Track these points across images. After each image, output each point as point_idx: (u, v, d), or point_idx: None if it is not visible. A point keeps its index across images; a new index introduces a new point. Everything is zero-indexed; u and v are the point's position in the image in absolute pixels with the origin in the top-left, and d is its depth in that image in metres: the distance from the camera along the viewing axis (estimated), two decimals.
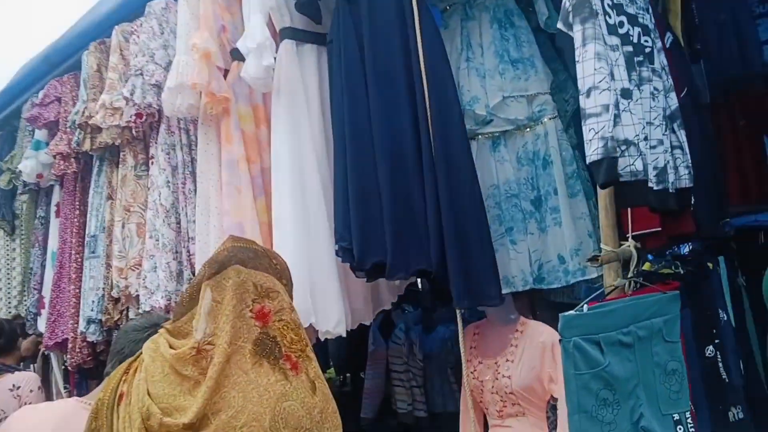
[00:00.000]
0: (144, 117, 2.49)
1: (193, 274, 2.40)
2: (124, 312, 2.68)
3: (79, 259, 2.95)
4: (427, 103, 1.97)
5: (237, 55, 2.36)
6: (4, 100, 3.82)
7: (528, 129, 2.21)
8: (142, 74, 2.43)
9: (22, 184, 3.47)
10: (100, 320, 2.71)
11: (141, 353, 1.14)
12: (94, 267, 2.77)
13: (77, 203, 3.04)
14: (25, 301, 3.48)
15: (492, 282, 1.91)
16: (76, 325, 2.85)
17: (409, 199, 1.94)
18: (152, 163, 2.56)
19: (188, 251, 2.41)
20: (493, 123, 2.22)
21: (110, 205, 2.76)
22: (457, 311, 1.94)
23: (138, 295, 2.52)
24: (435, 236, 1.89)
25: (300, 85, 2.18)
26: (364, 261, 1.90)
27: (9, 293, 3.63)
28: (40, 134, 3.28)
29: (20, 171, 3.27)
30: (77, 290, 2.91)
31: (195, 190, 2.46)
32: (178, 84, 2.25)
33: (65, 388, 3.47)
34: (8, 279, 3.68)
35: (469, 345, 2.23)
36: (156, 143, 2.56)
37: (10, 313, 3.57)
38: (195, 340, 1.10)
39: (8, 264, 3.71)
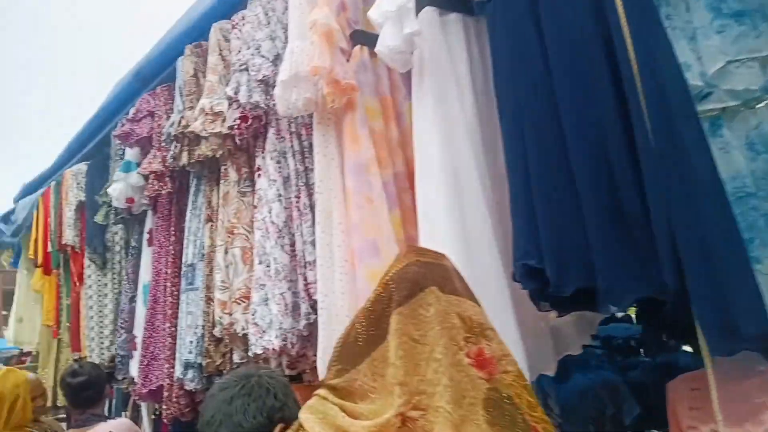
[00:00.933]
0: (249, 120, 2.09)
1: (313, 309, 1.94)
2: (228, 355, 2.25)
3: (175, 293, 2.57)
4: (638, 80, 1.42)
5: (359, 38, 1.93)
6: (95, 126, 3.60)
7: (763, 104, 1.61)
8: (247, 69, 2.03)
9: (113, 213, 3.18)
10: (200, 365, 2.29)
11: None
12: (192, 301, 2.37)
13: (172, 229, 2.68)
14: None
15: (755, 315, 1.31)
16: (172, 370, 2.45)
17: (621, 203, 1.39)
18: (259, 175, 2.14)
19: (305, 279, 1.95)
20: (711, 97, 1.63)
21: (210, 229, 2.36)
22: (707, 361, 1.34)
23: (245, 334, 2.08)
24: (666, 251, 1.31)
25: (448, 64, 1.70)
26: (564, 285, 1.35)
27: (101, 332, 3.31)
28: (131, 155, 2.98)
29: (108, 195, 2.96)
30: (173, 329, 2.52)
31: (311, 205, 2.02)
32: (293, 75, 1.83)
33: None
34: (100, 317, 3.37)
35: (688, 406, 1.63)
36: (263, 152, 2.15)
37: (103, 354, 3.25)
38: (395, 403, 0.73)
39: (100, 301, 3.41)
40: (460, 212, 1.58)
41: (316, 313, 1.94)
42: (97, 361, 3.24)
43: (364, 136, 1.79)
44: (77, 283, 3.59)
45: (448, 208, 1.57)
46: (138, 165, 2.94)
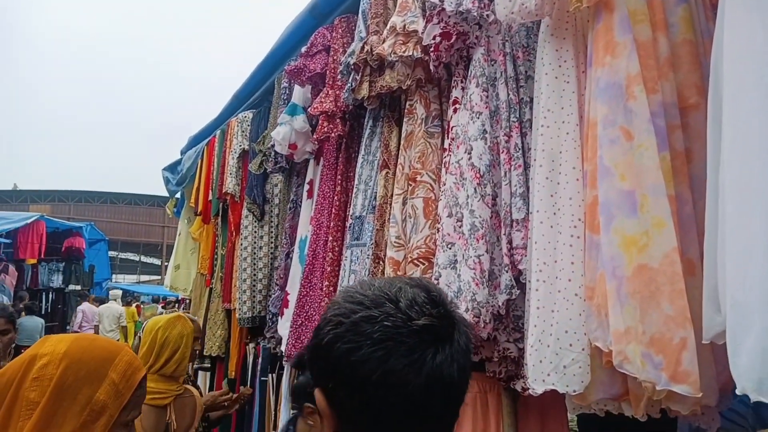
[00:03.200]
0: (452, 38, 1.67)
1: (516, 281, 1.48)
2: None
3: (337, 248, 2.26)
4: None
5: None
6: (265, 71, 3.42)
7: None
8: None
9: (272, 161, 2.97)
10: None
11: None
12: (358, 259, 2.04)
13: (339, 178, 2.37)
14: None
15: None
16: None
17: None
18: (455, 109, 1.72)
19: (510, 242, 1.50)
20: None
21: (385, 176, 2.00)
22: None
23: None
24: None
25: None
26: None
27: (254, 286, 3.14)
28: (299, 98, 2.71)
29: (271, 144, 2.73)
30: (332, 288, 2.21)
31: (524, 147, 1.56)
32: None
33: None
34: (254, 270, 3.20)
35: None
36: (462, 80, 1.72)
37: (255, 309, 3.08)
38: None
39: (254, 253, 3.24)
40: None
41: (520, 288, 1.49)
42: (248, 315, 3.08)
43: (625, 45, 1.29)
44: (234, 234, 3.47)
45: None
46: (305, 110, 2.68)
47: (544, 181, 1.37)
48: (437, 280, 1.54)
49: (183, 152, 5.23)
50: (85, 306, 10.09)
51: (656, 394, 1.18)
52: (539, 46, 1.51)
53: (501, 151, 1.57)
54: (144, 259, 31.06)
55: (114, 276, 19.19)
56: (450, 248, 1.57)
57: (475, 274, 1.48)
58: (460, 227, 1.56)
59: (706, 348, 1.26)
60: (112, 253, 20.84)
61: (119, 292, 11.87)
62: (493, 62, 1.65)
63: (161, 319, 2.14)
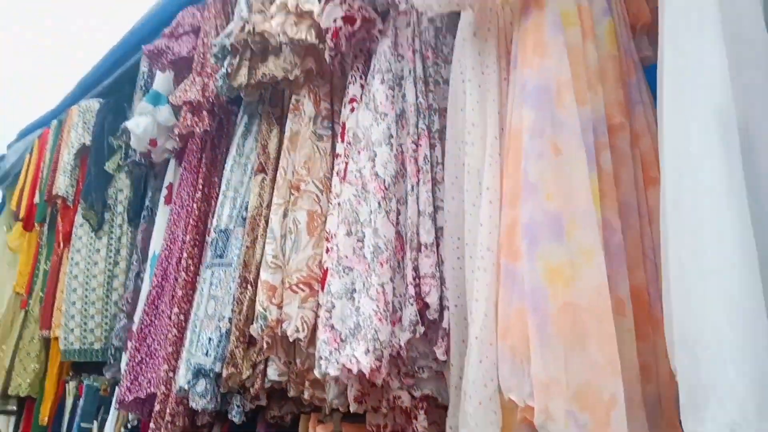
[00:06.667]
0: (357, 23, 1.40)
1: (422, 316, 1.23)
2: (261, 366, 1.52)
3: (193, 267, 1.86)
4: None
5: None
6: (119, 55, 2.91)
7: None
8: None
9: (122, 158, 2.47)
10: (217, 374, 1.56)
11: None
12: (220, 281, 1.66)
13: (200, 182, 1.97)
14: (106, 327, 2.43)
15: None
16: (172, 375, 1.72)
17: None
18: (352, 109, 1.45)
19: (415, 269, 1.24)
20: None
21: (261, 183, 1.66)
22: None
23: (298, 339, 1.37)
24: None
25: None
26: None
27: (85, 310, 2.57)
28: (162, 85, 2.28)
29: (127, 134, 2.25)
30: (182, 317, 1.80)
31: (433, 160, 1.32)
32: None
33: None
34: (85, 290, 2.62)
35: None
36: (365, 75, 1.46)
37: (85, 339, 2.51)
38: None
39: (88, 270, 2.66)
40: (759, 207, 0.87)
41: (424, 324, 1.23)
42: (76, 347, 2.51)
43: (556, 46, 1.10)
44: (61, 245, 2.86)
45: (731, 195, 0.85)
46: (168, 100, 2.26)
47: (471, 207, 1.14)
48: (329, 312, 1.23)
49: (9, 146, 4.40)
50: None
51: None
52: (457, 46, 1.29)
53: (407, 161, 1.32)
54: None
55: None
56: (348, 273, 1.27)
57: (377, 306, 1.19)
58: (360, 249, 1.27)
59: (636, 404, 1.09)
60: None
61: None
62: (401, 58, 1.40)
63: None
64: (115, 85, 2.98)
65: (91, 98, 3.09)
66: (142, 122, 2.16)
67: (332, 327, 1.20)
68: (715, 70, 0.90)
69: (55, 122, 3.28)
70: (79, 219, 2.72)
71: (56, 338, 2.70)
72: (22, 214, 3.41)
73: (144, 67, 2.52)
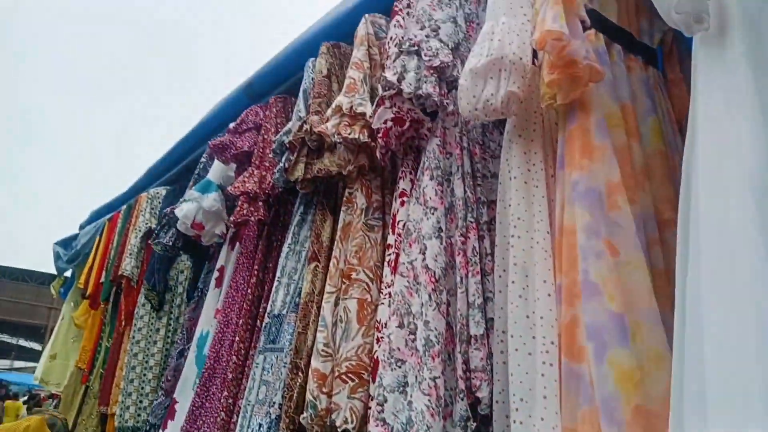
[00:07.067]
0: (406, 124, 1.49)
1: (473, 409, 1.23)
2: None
3: (243, 351, 1.91)
4: None
5: (595, 21, 1.34)
6: (188, 146, 3.14)
7: None
8: (418, 53, 1.47)
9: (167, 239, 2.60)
10: None
11: None
12: (272, 366, 1.70)
13: (256, 268, 2.07)
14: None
15: None
16: None
17: None
18: (402, 202, 1.52)
19: (465, 363, 1.25)
20: None
21: (314, 270, 1.73)
22: None
23: (345, 430, 1.38)
24: None
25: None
26: None
27: (142, 388, 2.65)
28: (217, 174, 2.45)
29: (170, 218, 2.40)
30: (232, 401, 1.84)
31: (481, 251, 1.36)
32: (494, 59, 1.24)
33: None
34: (144, 369, 2.72)
35: None
36: (414, 170, 1.54)
37: (139, 417, 2.57)
38: None
39: (147, 349, 2.77)
40: None
41: (475, 420, 1.23)
42: (130, 424, 2.56)
43: (605, 150, 1.14)
44: (123, 323, 2.99)
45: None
46: (219, 187, 2.41)
47: (518, 299, 1.16)
48: (381, 405, 1.24)
49: (82, 227, 4.71)
50: None
51: None
52: (504, 147, 1.35)
53: (456, 253, 1.36)
54: (22, 342, 27.73)
55: None
56: (400, 366, 1.29)
57: (430, 401, 1.19)
58: (413, 341, 1.29)
59: None
60: None
61: None
62: (449, 155, 1.48)
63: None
64: (180, 174, 3.20)
65: (158, 186, 3.32)
66: (186, 207, 2.31)
67: (384, 421, 1.21)
68: (750, 142, 0.89)
69: (124, 207, 3.52)
70: (141, 299, 2.85)
71: (113, 414, 2.77)
72: (88, 291, 3.61)
73: (204, 159, 2.70)
